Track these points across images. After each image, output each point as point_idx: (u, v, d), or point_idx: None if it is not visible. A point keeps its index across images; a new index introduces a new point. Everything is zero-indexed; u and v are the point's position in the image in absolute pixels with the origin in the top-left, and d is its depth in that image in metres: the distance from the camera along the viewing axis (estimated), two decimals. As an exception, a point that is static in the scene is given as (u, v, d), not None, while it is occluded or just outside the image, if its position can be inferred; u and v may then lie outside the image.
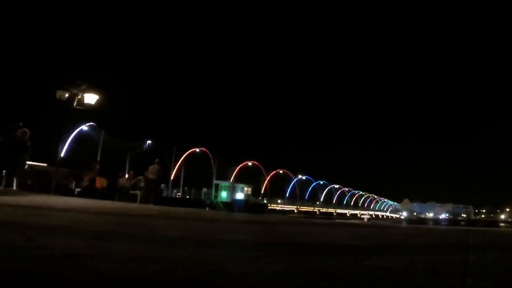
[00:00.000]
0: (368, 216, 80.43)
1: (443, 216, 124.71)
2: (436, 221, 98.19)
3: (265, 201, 53.92)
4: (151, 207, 10.16)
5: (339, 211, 74.89)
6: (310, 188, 71.12)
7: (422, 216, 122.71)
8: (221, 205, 36.34)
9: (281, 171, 61.13)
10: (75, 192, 18.85)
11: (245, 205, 37.29)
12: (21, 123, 11.61)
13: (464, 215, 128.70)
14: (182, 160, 44.19)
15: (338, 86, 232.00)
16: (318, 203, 72.43)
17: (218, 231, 4.30)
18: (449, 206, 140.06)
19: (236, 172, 49.66)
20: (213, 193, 42.18)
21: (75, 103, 17.29)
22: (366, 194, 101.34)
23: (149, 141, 37.29)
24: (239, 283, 1.62)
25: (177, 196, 41.46)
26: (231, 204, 36.70)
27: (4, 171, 11.49)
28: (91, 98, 17.53)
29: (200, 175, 45.57)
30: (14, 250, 1.91)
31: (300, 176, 66.10)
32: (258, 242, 3.33)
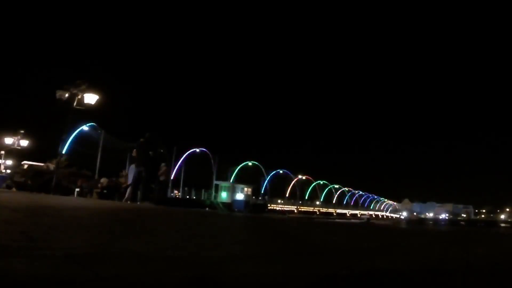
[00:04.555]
0: (368, 216, 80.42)
1: (443, 216, 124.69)
2: (436, 221, 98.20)
3: (265, 201, 53.95)
4: (151, 207, 10.15)
5: (339, 211, 74.89)
6: (310, 188, 71.16)
7: (422, 216, 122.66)
8: (221, 205, 36.35)
9: (281, 171, 61.17)
10: (75, 193, 18.85)
11: (245, 205, 37.29)
12: (147, 134, 11.88)
13: (464, 215, 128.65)
14: (182, 160, 44.20)
15: (338, 86, 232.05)
16: (318, 203, 72.43)
17: (218, 231, 4.30)
18: (449, 206, 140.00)
19: (236, 172, 49.68)
20: (213, 194, 42.22)
21: (75, 103, 17.31)
22: (366, 194, 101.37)
23: None
24: (239, 284, 1.62)
25: (177, 196, 41.50)
26: (231, 205, 36.72)
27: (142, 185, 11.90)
28: (91, 98, 17.54)
29: (200, 175, 45.58)
30: (14, 250, 1.91)
31: (300, 176, 66.09)
32: (258, 242, 3.33)
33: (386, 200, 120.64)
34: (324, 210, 69.54)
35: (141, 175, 11.75)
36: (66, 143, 24.79)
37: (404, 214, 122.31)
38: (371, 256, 2.71)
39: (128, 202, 11.91)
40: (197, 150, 45.93)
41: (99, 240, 2.50)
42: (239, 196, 40.75)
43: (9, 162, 32.28)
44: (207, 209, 28.05)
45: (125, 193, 13.38)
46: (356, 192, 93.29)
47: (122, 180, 17.45)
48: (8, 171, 27.93)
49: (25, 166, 22.09)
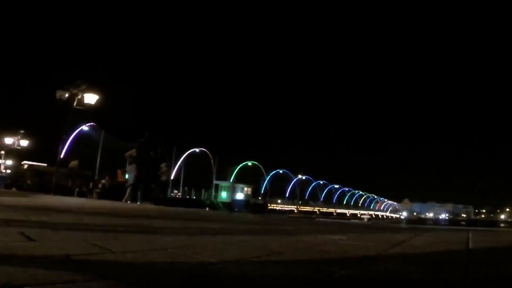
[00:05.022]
0: (368, 216, 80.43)
1: (443, 216, 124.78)
2: (436, 221, 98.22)
3: (265, 201, 54.00)
4: (151, 207, 10.15)
5: (339, 211, 75.00)
6: (310, 188, 71.28)
7: (422, 216, 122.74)
8: (221, 205, 36.36)
9: (281, 171, 61.27)
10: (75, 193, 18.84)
11: (245, 205, 37.31)
12: (147, 134, 11.97)
13: (464, 215, 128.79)
14: (182, 160, 44.23)
15: (338, 86, 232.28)
16: (318, 203, 72.50)
17: (218, 231, 4.30)
18: (449, 206, 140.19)
19: (236, 172, 49.73)
20: (213, 193, 42.26)
21: (75, 103, 17.33)
22: (366, 194, 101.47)
23: None
24: (239, 284, 1.62)
25: (177, 196, 41.58)
26: (231, 204, 36.75)
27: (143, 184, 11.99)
28: (91, 98, 17.58)
29: (200, 175, 45.65)
30: (14, 250, 1.91)
31: (300, 176, 66.14)
32: (258, 242, 3.33)
33: (386, 200, 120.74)
34: (324, 210, 69.61)
35: (141, 175, 11.78)
36: (66, 143, 24.78)
37: (404, 214, 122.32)
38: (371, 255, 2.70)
39: (128, 202, 11.92)
40: (197, 150, 46.00)
41: (99, 240, 2.50)
42: (239, 196, 40.76)
43: (9, 162, 32.29)
44: (207, 209, 28.06)
45: (125, 193, 13.38)
46: (356, 192, 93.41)
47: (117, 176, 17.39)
48: (8, 171, 27.95)
49: (25, 166, 22.10)
